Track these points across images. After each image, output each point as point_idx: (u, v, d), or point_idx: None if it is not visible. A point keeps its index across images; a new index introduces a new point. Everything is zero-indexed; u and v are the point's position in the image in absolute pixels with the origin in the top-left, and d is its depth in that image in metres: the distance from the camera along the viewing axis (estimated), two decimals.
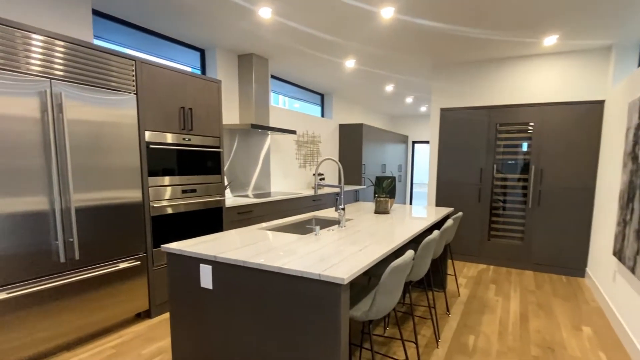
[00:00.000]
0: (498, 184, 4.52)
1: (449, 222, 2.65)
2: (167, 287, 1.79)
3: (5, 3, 2.30)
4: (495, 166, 4.50)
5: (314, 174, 5.91)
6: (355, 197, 6.50)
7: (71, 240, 2.23)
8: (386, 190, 3.17)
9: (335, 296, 1.33)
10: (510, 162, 4.42)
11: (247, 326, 1.56)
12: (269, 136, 5.03)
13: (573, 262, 4.13)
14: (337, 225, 2.40)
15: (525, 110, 4.27)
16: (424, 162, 18.46)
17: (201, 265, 1.67)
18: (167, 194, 2.88)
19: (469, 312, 3.02)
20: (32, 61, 2.03)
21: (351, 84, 5.87)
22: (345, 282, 1.30)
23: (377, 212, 3.12)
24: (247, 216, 3.79)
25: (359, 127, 6.82)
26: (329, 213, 3.01)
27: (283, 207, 4.39)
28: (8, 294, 1.94)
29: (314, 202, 5.10)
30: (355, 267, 1.41)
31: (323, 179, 5.90)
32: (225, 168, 4.21)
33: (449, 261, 4.48)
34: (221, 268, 1.61)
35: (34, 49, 2.04)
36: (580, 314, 3.04)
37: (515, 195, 4.42)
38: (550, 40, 3.70)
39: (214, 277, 1.64)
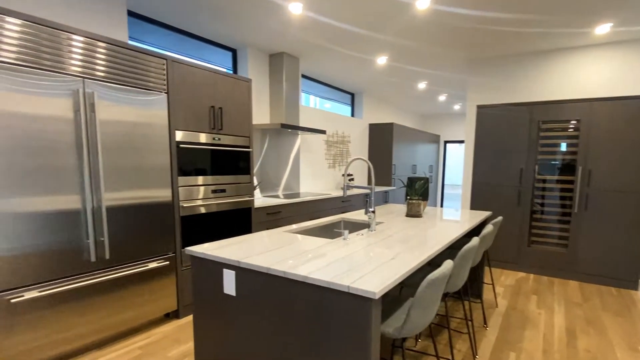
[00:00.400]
0: (539, 186, 4.22)
1: (489, 227, 2.47)
2: (192, 290, 1.75)
3: (40, 3, 2.37)
4: (536, 167, 4.21)
5: (343, 175, 5.80)
6: (385, 198, 6.33)
7: (102, 239, 2.26)
8: (419, 192, 3.02)
9: (365, 311, 1.23)
10: (553, 162, 4.12)
11: (271, 336, 1.49)
12: (299, 136, 4.98)
13: (625, 273, 3.78)
14: (367, 229, 2.29)
15: (571, 107, 3.95)
16: (456, 163, 17.84)
17: (224, 270, 1.62)
18: (196, 193, 2.88)
19: (509, 326, 2.82)
20: (67, 60, 2.07)
21: (382, 82, 5.71)
22: (377, 297, 1.19)
23: (409, 215, 2.97)
24: (275, 217, 3.75)
25: (389, 126, 6.65)
26: (358, 215, 2.90)
27: (311, 208, 4.32)
28: (40, 292, 1.99)
29: (343, 203, 5.00)
30: (388, 279, 1.30)
31: (352, 179, 5.79)
32: (255, 168, 4.20)
33: (486, 269, 4.23)
34: (245, 274, 1.55)
35: (68, 48, 2.07)
36: (637, 332, 2.76)
37: (559, 199, 4.11)
38: (602, 29, 3.40)
39: (238, 283, 1.58)
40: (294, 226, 2.39)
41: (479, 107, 4.50)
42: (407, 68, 4.89)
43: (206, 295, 1.71)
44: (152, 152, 2.53)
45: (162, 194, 2.61)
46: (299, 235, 2.05)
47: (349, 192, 5.22)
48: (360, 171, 6.75)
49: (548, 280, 4.02)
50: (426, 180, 3.15)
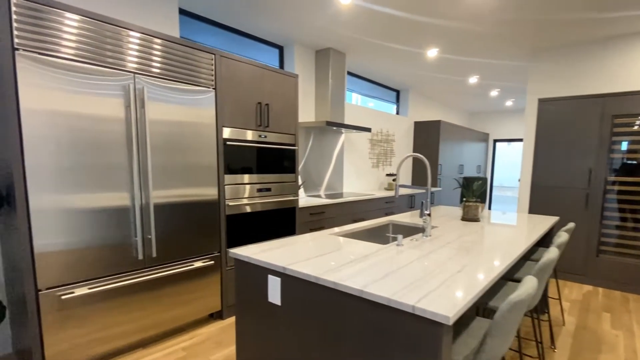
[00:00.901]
0: (612, 189, 3.77)
1: (563, 235, 2.18)
2: (234, 295, 1.66)
3: None
4: (609, 167, 3.76)
5: (387, 174, 5.59)
6: (431, 199, 6.02)
7: (149, 237, 2.25)
8: (477, 194, 2.76)
9: (434, 338, 1.06)
10: (630, 162, 3.65)
11: (319, 352, 1.35)
12: (343, 135, 4.84)
13: None
14: (420, 234, 2.10)
15: None
16: (506, 163, 16.83)
17: (269, 276, 1.51)
18: (242, 192, 2.82)
19: (581, 348, 2.50)
20: (118, 55, 2.06)
21: (430, 78, 5.41)
22: (451, 322, 1.02)
23: (465, 218, 2.73)
24: (319, 217, 3.64)
25: (436, 124, 6.31)
26: (407, 218, 2.71)
27: (355, 209, 4.16)
28: (89, 289, 2.00)
29: (387, 204, 4.79)
30: (460, 299, 1.12)
31: (395, 179, 5.53)
32: (299, 167, 4.11)
33: (552, 281, 3.85)
34: (291, 282, 1.43)
35: (121, 43, 2.07)
36: None
37: (636, 203, 3.64)
38: None
39: (283, 291, 1.46)
40: (340, 229, 2.24)
41: (541, 100, 4.10)
42: (460, 60, 4.57)
43: (249, 302, 1.61)
44: (199, 149, 2.49)
45: (209, 192, 2.58)
46: (347, 240, 1.91)
47: (392, 193, 4.99)
48: (404, 171, 6.47)
49: (621, 296, 3.58)
50: (484, 181, 2.88)
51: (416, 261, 1.53)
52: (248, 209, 2.88)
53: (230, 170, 2.73)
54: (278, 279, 1.47)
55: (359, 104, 5.80)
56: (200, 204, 2.53)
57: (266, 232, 3.06)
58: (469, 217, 2.71)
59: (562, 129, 3.99)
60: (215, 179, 2.61)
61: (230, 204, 2.74)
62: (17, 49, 1.70)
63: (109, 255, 2.07)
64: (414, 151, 6.64)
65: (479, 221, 2.69)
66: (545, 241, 3.02)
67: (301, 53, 4.06)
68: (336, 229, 2.23)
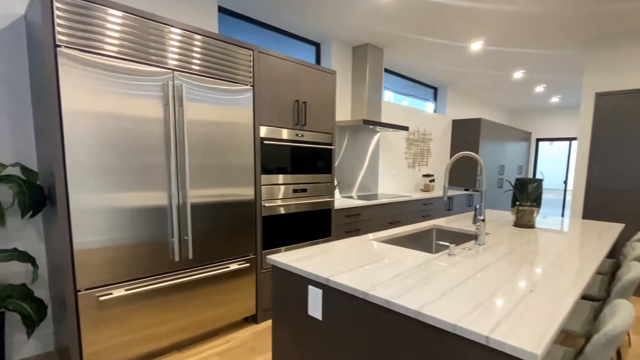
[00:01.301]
0: None
1: (639, 247, 1.92)
2: (271, 304, 1.55)
3: None
4: None
5: (424, 175, 5.35)
6: (469, 202, 5.71)
7: (186, 238, 2.19)
8: (532, 197, 2.52)
9: None
10: None
11: None
12: (379, 134, 4.66)
13: None
14: (472, 243, 1.91)
15: None
16: (548, 163, 15.85)
17: (310, 287, 1.38)
18: (278, 193, 2.73)
19: None
20: (158, 52, 2.01)
21: (469, 75, 5.12)
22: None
23: (518, 224, 2.50)
24: (354, 219, 3.50)
25: (476, 122, 5.99)
26: (452, 223, 2.51)
27: (391, 211, 3.98)
28: (127, 290, 1.96)
29: (424, 206, 4.57)
30: (546, 330, 0.94)
31: (433, 180, 5.30)
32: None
33: None
34: (334, 295, 1.29)
35: (160, 39, 2.02)
36: None
37: None
38: None
39: (325, 304, 1.33)
40: (380, 234, 2.09)
41: (599, 95, 3.74)
42: (506, 53, 4.27)
43: (287, 313, 1.50)
44: (236, 148, 2.42)
45: (245, 193, 2.50)
46: (390, 247, 1.75)
47: (429, 194, 4.76)
48: (441, 171, 6.19)
49: None
50: (540, 183, 2.63)
51: (475, 276, 1.36)
52: (284, 210, 2.78)
53: (267, 170, 2.64)
54: (319, 291, 1.35)
55: (391, 102, 5.59)
56: (236, 205, 2.46)
57: (301, 234, 2.95)
58: (523, 222, 2.48)
59: (623, 125, 3.62)
60: (251, 179, 2.53)
61: (266, 204, 2.65)
62: (59, 46, 1.67)
63: (146, 256, 2.03)
64: (451, 151, 6.34)
65: (533, 227, 2.45)
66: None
67: (338, 50, 3.92)
68: (376, 234, 2.08)
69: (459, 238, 2.36)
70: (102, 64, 1.80)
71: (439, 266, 1.47)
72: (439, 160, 6.10)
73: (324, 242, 3.16)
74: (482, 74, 5.20)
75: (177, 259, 2.14)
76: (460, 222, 2.60)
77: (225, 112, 2.32)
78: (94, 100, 1.78)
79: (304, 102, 2.84)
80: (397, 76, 5.12)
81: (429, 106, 6.06)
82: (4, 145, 2.03)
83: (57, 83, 1.67)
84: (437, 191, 5.31)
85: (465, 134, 6.14)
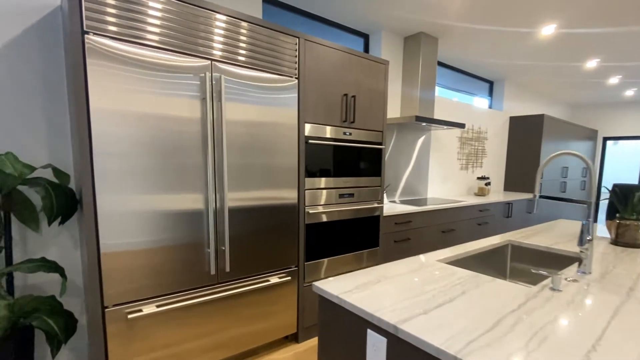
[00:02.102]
0: None
1: None
2: (318, 342, 1.25)
3: None
4: None
5: (478, 177, 4.86)
6: (529, 207, 5.13)
7: (223, 248, 1.97)
8: (637, 209, 2.05)
9: None
10: None
11: None
12: (430, 132, 4.25)
13: None
14: (575, 271, 1.51)
15: None
16: (617, 166, 14.29)
17: (369, 332, 1.06)
18: (323, 198, 2.45)
19: None
20: (194, 39, 1.79)
21: (531, 67, 4.56)
22: None
23: (619, 242, 2.04)
24: (404, 227, 3.14)
25: (538, 119, 5.38)
26: (530, 237, 2.09)
27: (445, 218, 3.58)
28: (157, 307, 1.76)
29: (480, 212, 4.11)
30: None
31: (489, 183, 4.79)
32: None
33: None
34: (406, 350, 0.95)
35: (197, 25, 1.79)
36: None
37: None
38: None
39: (391, 358, 1.01)
40: (445, 253, 1.73)
41: None
42: (581, 37, 3.71)
43: (338, 357, 1.19)
44: (279, 146, 2.16)
45: (287, 198, 2.24)
46: (466, 273, 1.40)
47: (485, 200, 4.28)
48: (496, 173, 5.64)
49: None
50: None
51: (612, 325, 0.99)
52: (328, 217, 2.50)
53: (311, 172, 2.36)
54: (383, 340, 1.02)
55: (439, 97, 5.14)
56: (277, 211, 2.20)
57: (346, 244, 2.65)
58: (626, 240, 2.02)
59: None
60: (294, 182, 2.26)
61: (310, 211, 2.37)
62: (87, 32, 1.49)
63: (179, 269, 1.82)
64: (508, 151, 5.75)
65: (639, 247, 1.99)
66: None
67: (389, 40, 3.57)
68: (440, 254, 1.74)
69: (546, 260, 1.95)
70: (135, 53, 1.60)
71: (547, 308, 1.10)
72: (495, 161, 5.55)
73: (370, 253, 2.84)
74: (547, 66, 4.62)
75: (212, 271, 1.92)
76: (542, 236, 2.18)
77: (266, 106, 2.07)
78: (124, 93, 1.59)
79: (353, 97, 2.53)
80: (449, 69, 4.66)
81: (478, 102, 5.52)
82: (40, 146, 1.91)
83: (84, 75, 1.49)
84: (493, 196, 4.80)
85: (525, 132, 5.54)
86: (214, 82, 1.84)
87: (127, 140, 1.61)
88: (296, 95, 2.20)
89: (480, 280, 1.33)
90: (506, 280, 1.51)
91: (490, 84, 5.53)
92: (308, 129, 2.31)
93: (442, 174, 4.54)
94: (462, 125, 3.85)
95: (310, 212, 2.37)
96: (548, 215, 5.84)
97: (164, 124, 1.71)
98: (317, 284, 1.22)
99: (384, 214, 2.93)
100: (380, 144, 2.79)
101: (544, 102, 6.73)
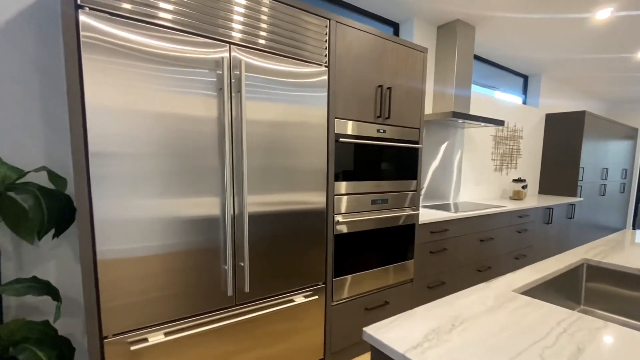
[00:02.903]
0: None
1: None
2: None
3: None
4: None
5: (514, 180, 4.47)
6: (569, 213, 4.70)
7: (242, 265, 1.69)
8: None
9: None
10: None
11: None
12: (463, 130, 3.89)
13: None
14: None
15: None
16: None
17: None
18: (353, 204, 2.15)
19: None
20: (209, 18, 1.51)
21: (571, 61, 4.14)
22: None
23: None
24: (440, 236, 2.81)
25: (578, 116, 4.94)
26: (605, 253, 1.74)
27: (483, 225, 3.23)
28: (166, 335, 1.49)
29: (520, 218, 3.73)
30: None
31: (525, 186, 4.40)
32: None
33: None
34: None
35: (218, 4, 1.52)
36: None
37: None
38: None
39: None
40: (518, 277, 1.41)
41: None
42: None
43: None
44: (306, 145, 1.86)
45: (314, 204, 1.94)
46: (564, 313, 1.07)
47: (523, 204, 3.90)
48: (531, 174, 5.23)
49: None
50: None
51: None
52: (359, 227, 2.20)
53: (341, 175, 2.06)
54: None
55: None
56: (303, 221, 1.91)
57: (378, 256, 2.34)
58: None
59: None
60: (322, 187, 1.97)
61: (340, 219, 2.08)
62: (82, 7, 1.22)
63: (190, 291, 1.55)
64: (544, 151, 5.33)
65: None
66: None
67: (421, 29, 3.24)
68: (512, 280, 1.41)
69: (632, 282, 1.61)
70: (140, 33, 1.33)
71: None
72: (530, 162, 5.14)
73: (404, 266, 2.52)
74: (592, 59, 4.19)
75: (230, 292, 1.64)
76: (625, 253, 1.82)
77: (292, 97, 1.78)
78: (123, 82, 1.32)
79: (388, 89, 2.22)
80: (481, 62, 4.29)
81: (507, 99, 5.11)
82: (35, 146, 1.66)
83: (79, 64, 1.23)
84: (530, 200, 4.41)
85: (564, 130, 5.11)
86: (232, 68, 1.56)
87: (130, 139, 1.34)
88: (326, 86, 1.90)
89: (586, 323, 1.00)
90: (581, 308, 1.18)
91: (525, 78, 5.12)
92: (338, 125, 2.01)
93: (474, 176, 4.17)
94: (501, 123, 3.50)
95: (340, 220, 2.07)
96: (588, 221, 5.39)
97: (174, 120, 1.43)
98: (369, 331, 0.91)
99: (420, 222, 2.61)
100: (416, 142, 2.47)
101: (580, 98, 6.26)
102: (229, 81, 1.55)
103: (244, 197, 1.62)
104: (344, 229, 2.11)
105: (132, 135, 1.34)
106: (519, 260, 3.83)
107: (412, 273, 2.58)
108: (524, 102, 5.19)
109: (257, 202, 1.71)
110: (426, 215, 2.82)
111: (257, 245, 1.74)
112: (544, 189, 5.37)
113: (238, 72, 1.58)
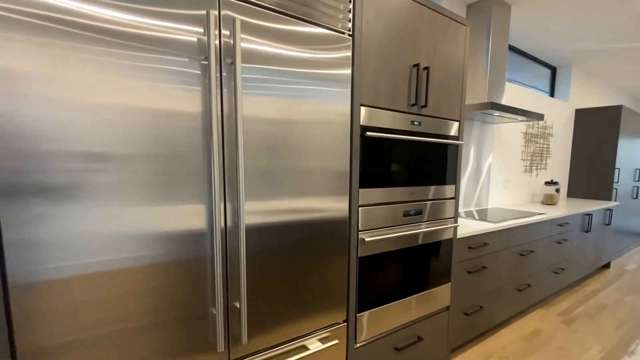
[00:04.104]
0: None
1: None
2: None
3: None
4: None
5: (546, 182, 3.98)
6: (606, 219, 4.21)
7: (237, 305, 1.21)
8: None
9: None
10: None
11: None
12: (493, 126, 3.41)
13: None
14: None
15: None
16: None
17: None
18: (381, 218, 1.67)
19: None
20: None
21: (607, 51, 3.65)
22: None
23: None
24: (479, 252, 2.33)
25: (615, 111, 4.45)
26: None
27: (522, 236, 2.74)
28: None
29: (560, 227, 3.25)
30: None
31: (559, 189, 3.92)
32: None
33: None
34: None
35: None
36: None
37: None
38: None
39: None
40: None
41: None
42: None
43: None
44: (324, 135, 1.39)
45: (333, 217, 1.46)
46: None
47: (564, 212, 3.42)
48: (559, 175, 4.74)
49: None
50: None
51: None
52: (389, 246, 1.72)
53: (367, 180, 1.59)
54: None
55: None
56: (319, 238, 1.43)
57: (409, 282, 1.86)
58: None
59: None
60: (343, 192, 1.48)
61: (366, 237, 1.60)
62: None
63: (161, 347, 1.07)
64: (573, 149, 4.84)
65: None
66: None
67: (449, 6, 2.77)
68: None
69: None
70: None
71: None
72: (560, 162, 4.65)
73: (439, 292, 2.04)
74: (629, 48, 3.70)
75: (221, 346, 1.16)
76: None
77: (305, 81, 1.30)
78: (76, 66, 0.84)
79: (426, 69, 1.74)
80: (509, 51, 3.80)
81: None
82: None
83: None
84: (564, 205, 3.92)
85: (597, 127, 4.61)
86: (222, 26, 1.08)
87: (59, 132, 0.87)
88: (349, 62, 1.42)
89: None
90: None
91: (553, 70, 4.64)
92: (365, 115, 1.53)
93: (503, 178, 3.68)
94: (540, 117, 3.02)
95: (367, 240, 1.59)
96: (623, 227, 4.90)
97: (129, 110, 0.96)
98: None
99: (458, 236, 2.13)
100: (456, 138, 1.99)
101: (608, 93, 5.76)
102: (218, 50, 1.07)
103: (239, 203, 1.14)
104: (371, 249, 1.63)
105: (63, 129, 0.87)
106: (558, 274, 3.35)
107: (448, 299, 2.10)
108: (552, 96, 4.70)
109: (258, 210, 1.23)
110: (469, 226, 2.34)
111: (258, 272, 1.26)
112: (573, 192, 4.88)
113: (229, 34, 1.10)
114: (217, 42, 1.08)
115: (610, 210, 4.21)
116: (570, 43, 3.68)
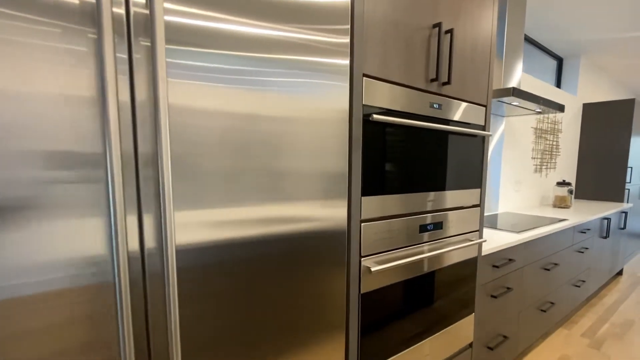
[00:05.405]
0: None
1: None
2: None
3: None
4: None
5: (558, 183, 3.58)
6: (620, 223, 3.84)
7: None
8: None
9: None
10: None
11: None
12: (504, 119, 3.00)
13: None
14: None
15: None
16: None
17: None
18: (390, 235, 1.21)
19: None
20: None
21: (620, 41, 3.30)
22: None
23: None
24: (504, 271, 1.89)
25: (626, 105, 4.10)
26: None
27: (547, 248, 2.32)
28: None
29: (582, 234, 2.85)
30: None
31: (571, 191, 3.54)
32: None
33: None
34: None
35: None
36: None
37: None
38: None
39: None
40: None
41: None
42: None
43: None
44: (311, 130, 0.92)
45: (320, 231, 1.00)
46: None
47: (585, 217, 3.02)
48: (568, 174, 4.37)
49: None
50: None
51: None
52: (401, 275, 1.26)
53: (370, 186, 1.12)
54: None
55: None
56: (302, 261, 0.96)
57: (425, 318, 1.41)
58: None
59: None
60: (341, 206, 1.02)
61: (372, 267, 1.13)
62: None
63: None
64: (580, 146, 4.48)
65: None
66: None
67: None
68: None
69: None
70: None
71: None
72: (568, 160, 4.28)
73: (461, 326, 1.59)
74: None
75: None
76: None
77: (285, 34, 0.83)
78: None
79: (449, 32, 1.28)
80: None
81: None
82: None
83: None
84: (576, 208, 3.54)
85: (606, 122, 4.26)
86: None
87: None
88: (347, 13, 0.96)
89: None
90: None
91: (559, 61, 4.27)
92: (368, 90, 1.07)
93: (513, 178, 3.27)
94: (562, 108, 2.61)
95: (373, 269, 1.12)
96: (635, 228, 4.56)
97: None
98: None
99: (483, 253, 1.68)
100: (483, 128, 1.54)
101: (612, 88, 5.45)
102: (125, 22, 0.60)
103: (166, 215, 0.67)
104: (378, 281, 1.17)
105: None
106: (579, 288, 2.95)
107: (471, 334, 1.65)
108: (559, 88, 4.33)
109: (209, 221, 0.76)
110: (493, 239, 1.90)
111: (201, 314, 0.78)
112: (580, 193, 4.52)
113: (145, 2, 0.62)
114: (117, 10, 0.60)
115: (625, 212, 3.85)
116: (579, 32, 3.30)
